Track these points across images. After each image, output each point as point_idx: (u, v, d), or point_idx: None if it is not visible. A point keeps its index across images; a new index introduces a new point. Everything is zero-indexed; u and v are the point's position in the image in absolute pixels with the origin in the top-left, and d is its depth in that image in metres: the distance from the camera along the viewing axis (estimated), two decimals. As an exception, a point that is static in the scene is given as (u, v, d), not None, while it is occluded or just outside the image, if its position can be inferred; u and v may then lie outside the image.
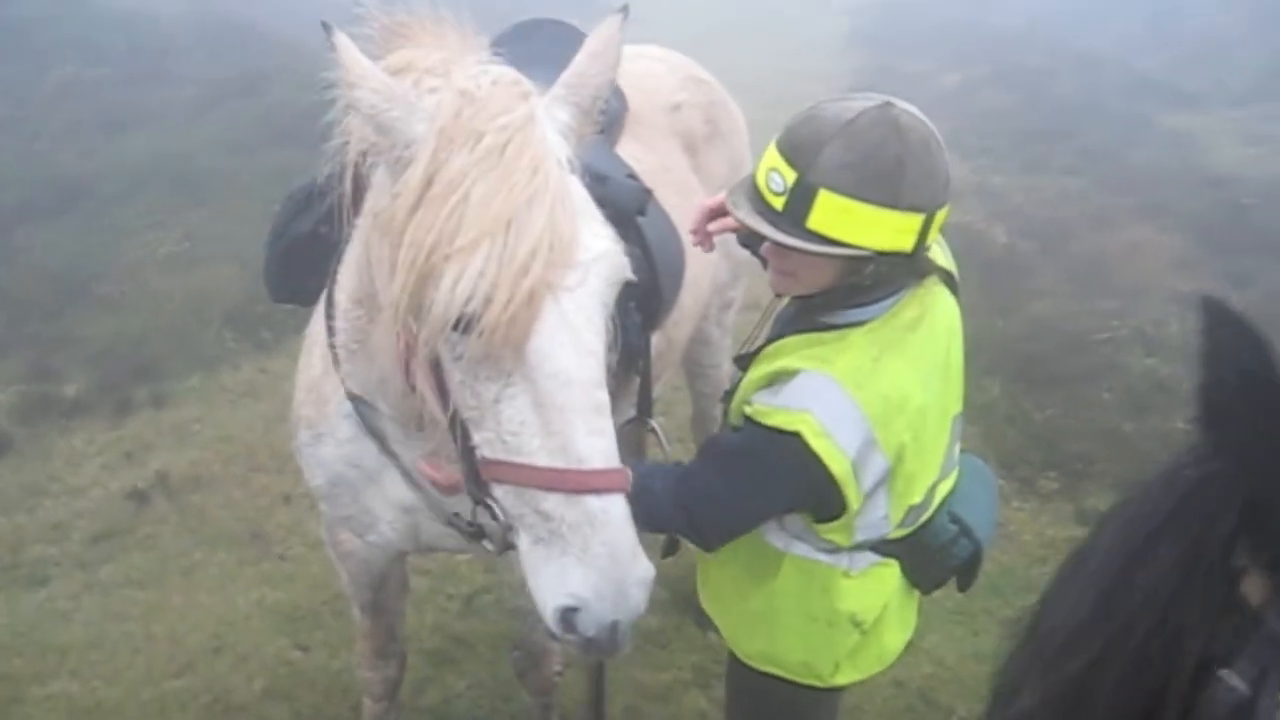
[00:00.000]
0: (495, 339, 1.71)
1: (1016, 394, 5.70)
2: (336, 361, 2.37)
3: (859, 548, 2.20)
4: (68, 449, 5.33)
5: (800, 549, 2.23)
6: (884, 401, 2.02)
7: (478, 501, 1.95)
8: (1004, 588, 4.29)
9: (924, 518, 2.23)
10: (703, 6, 17.83)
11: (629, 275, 1.88)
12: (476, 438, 1.84)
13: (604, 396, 1.79)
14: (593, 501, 1.74)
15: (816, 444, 1.98)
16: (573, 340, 1.75)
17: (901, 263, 2.02)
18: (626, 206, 2.47)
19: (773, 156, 2.01)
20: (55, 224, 7.46)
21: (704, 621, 3.93)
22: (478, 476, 1.88)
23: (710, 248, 2.52)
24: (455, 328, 1.73)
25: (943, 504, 2.26)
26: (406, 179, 1.81)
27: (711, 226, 2.45)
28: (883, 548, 2.23)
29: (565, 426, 1.75)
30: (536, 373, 1.74)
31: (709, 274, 3.35)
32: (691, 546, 2.32)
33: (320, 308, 2.47)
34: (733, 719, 2.66)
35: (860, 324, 2.10)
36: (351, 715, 3.59)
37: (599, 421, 1.76)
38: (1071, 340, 6.19)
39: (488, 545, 2.31)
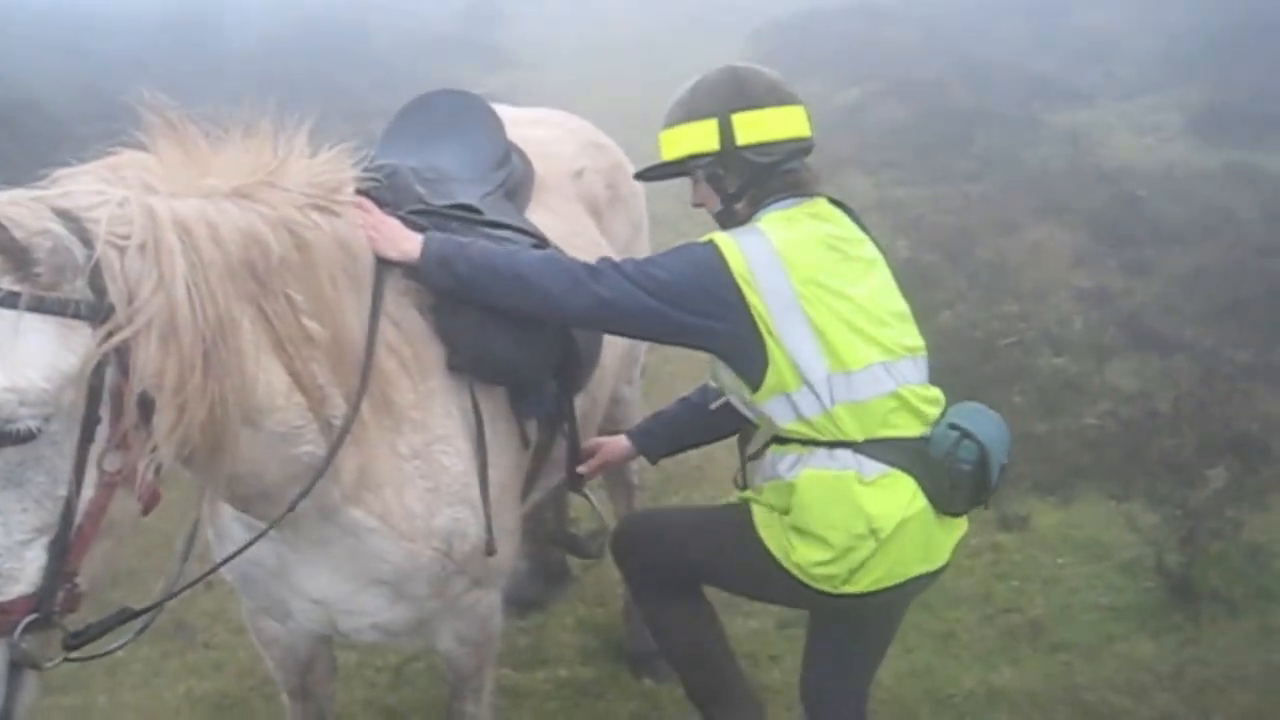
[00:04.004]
0: None
1: (931, 406, 5.74)
2: None
3: (826, 416, 2.43)
4: (-20, 555, 5.17)
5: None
6: (789, 241, 2.44)
7: None
8: (931, 601, 4.30)
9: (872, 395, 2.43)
10: (594, 35, 17.95)
11: (12, 425, 1.63)
12: None
13: None
14: None
15: (724, 244, 2.42)
16: None
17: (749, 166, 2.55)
18: None
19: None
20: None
21: (638, 668, 3.93)
22: None
23: None
24: None
25: (939, 419, 2.50)
26: None
27: None
28: (882, 454, 2.42)
29: None
30: None
31: None
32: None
33: None
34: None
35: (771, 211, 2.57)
36: (287, 802, 3.51)
37: None
38: (979, 347, 6.27)
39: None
